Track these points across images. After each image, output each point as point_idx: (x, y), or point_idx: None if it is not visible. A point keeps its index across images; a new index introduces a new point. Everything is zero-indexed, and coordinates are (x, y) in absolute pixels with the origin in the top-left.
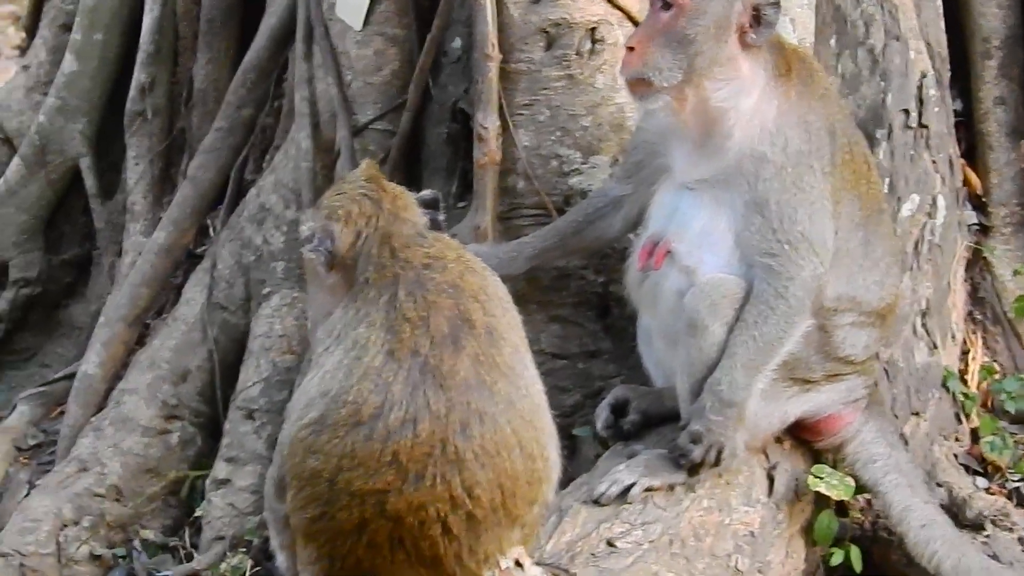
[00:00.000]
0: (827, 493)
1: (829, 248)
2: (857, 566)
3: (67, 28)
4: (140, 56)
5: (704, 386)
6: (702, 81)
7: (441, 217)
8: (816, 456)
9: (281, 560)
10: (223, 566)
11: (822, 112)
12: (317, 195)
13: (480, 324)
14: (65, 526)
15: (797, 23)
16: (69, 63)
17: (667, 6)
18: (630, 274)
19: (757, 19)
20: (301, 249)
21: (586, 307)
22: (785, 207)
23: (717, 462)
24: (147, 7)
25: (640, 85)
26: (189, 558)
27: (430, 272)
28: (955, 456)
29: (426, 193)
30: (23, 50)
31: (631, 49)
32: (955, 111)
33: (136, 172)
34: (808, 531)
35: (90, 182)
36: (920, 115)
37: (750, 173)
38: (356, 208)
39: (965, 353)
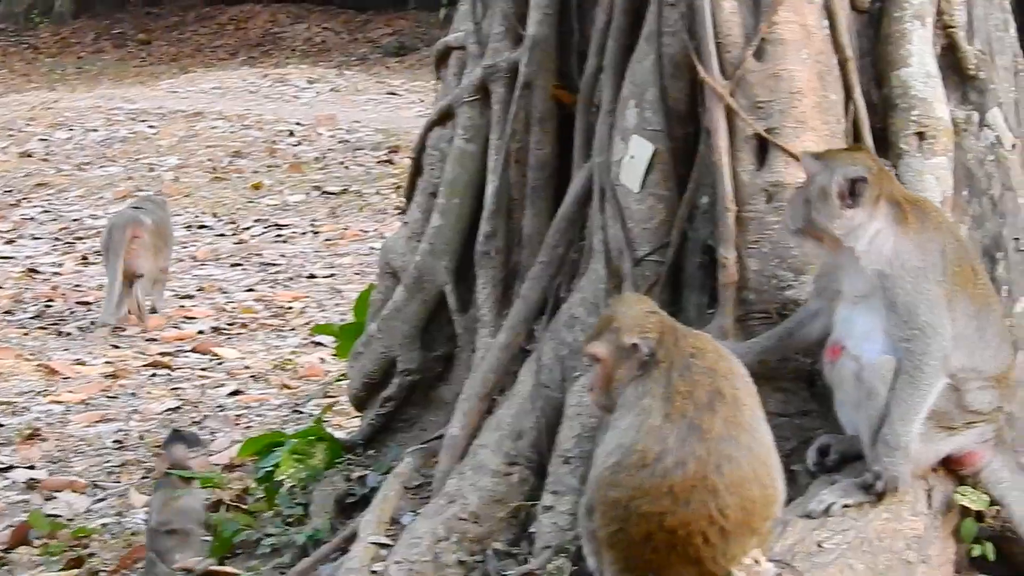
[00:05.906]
0: (969, 506)
1: (948, 331)
2: (990, 557)
3: (433, 195)
4: (484, 213)
5: (878, 436)
6: (825, 229)
7: None
8: (961, 480)
9: (591, 563)
10: (549, 566)
11: (936, 239)
12: None
13: (728, 395)
14: (439, 541)
15: (941, 180)
16: (436, 219)
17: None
18: (824, 364)
19: (852, 191)
20: (634, 351)
21: (799, 381)
22: (909, 305)
23: (895, 490)
24: (489, 180)
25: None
26: (525, 562)
27: (694, 359)
28: None
29: None
30: (402, 211)
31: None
32: None
33: (484, 293)
34: (956, 533)
35: (452, 301)
36: None
37: (879, 287)
38: (657, 320)
39: None
